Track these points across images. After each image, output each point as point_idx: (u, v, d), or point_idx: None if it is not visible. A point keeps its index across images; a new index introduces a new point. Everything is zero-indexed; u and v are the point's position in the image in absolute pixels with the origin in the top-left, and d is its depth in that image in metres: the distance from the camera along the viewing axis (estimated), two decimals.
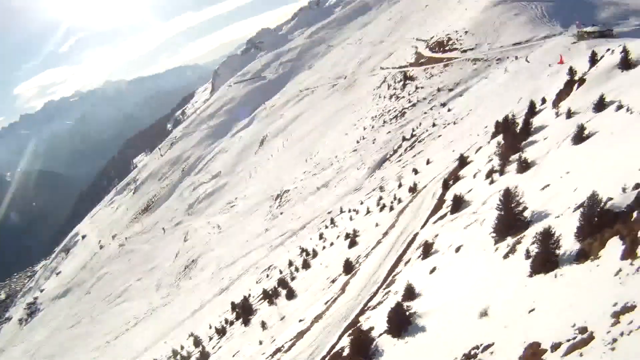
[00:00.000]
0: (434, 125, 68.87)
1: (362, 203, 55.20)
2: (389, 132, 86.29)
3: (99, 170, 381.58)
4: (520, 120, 26.30)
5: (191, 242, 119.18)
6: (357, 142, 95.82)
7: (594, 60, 26.33)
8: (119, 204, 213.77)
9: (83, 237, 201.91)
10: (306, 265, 40.71)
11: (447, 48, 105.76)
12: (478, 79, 78.97)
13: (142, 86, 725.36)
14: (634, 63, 20.93)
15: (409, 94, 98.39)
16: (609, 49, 26.08)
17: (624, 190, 9.85)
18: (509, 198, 13.99)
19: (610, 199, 9.76)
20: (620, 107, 16.73)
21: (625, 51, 21.61)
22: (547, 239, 10.25)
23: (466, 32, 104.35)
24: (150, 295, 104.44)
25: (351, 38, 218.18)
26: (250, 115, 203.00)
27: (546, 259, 10.12)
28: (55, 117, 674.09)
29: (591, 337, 6.88)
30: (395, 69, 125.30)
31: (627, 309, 6.78)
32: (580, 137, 16.44)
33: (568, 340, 7.20)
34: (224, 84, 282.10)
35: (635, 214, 8.81)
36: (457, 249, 16.85)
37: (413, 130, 75.27)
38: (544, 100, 29.30)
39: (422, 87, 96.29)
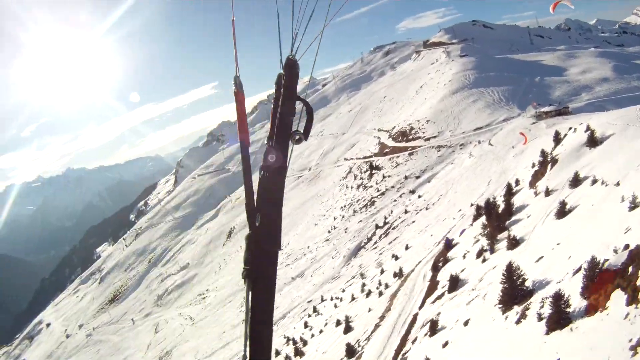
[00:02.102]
0: (406, 212, 71.17)
1: (344, 291, 55.76)
2: (360, 220, 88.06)
3: (60, 258, 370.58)
4: (499, 202, 28.66)
5: (163, 334, 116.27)
6: (329, 231, 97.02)
7: (557, 139, 29.30)
8: (84, 293, 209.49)
9: (47, 325, 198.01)
10: (299, 352, 40.79)
11: (410, 137, 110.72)
12: (444, 164, 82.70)
13: (103, 175, 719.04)
14: (600, 140, 23.83)
15: (377, 183, 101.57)
16: (570, 127, 29.14)
17: (615, 251, 11.96)
18: (511, 272, 15.94)
19: (607, 260, 11.82)
20: (595, 181, 19.17)
21: (590, 130, 24.54)
22: (558, 300, 12.16)
23: (427, 120, 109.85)
24: None
25: (312, 130, 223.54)
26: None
27: (560, 317, 11.97)
28: (16, 201, 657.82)
29: None
30: (359, 160, 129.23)
31: None
32: (562, 211, 18.71)
33: None
34: (187, 176, 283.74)
35: (630, 269, 10.82)
36: (466, 323, 18.20)
37: (385, 217, 77.27)
38: (517, 182, 31.90)
39: (389, 176, 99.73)
